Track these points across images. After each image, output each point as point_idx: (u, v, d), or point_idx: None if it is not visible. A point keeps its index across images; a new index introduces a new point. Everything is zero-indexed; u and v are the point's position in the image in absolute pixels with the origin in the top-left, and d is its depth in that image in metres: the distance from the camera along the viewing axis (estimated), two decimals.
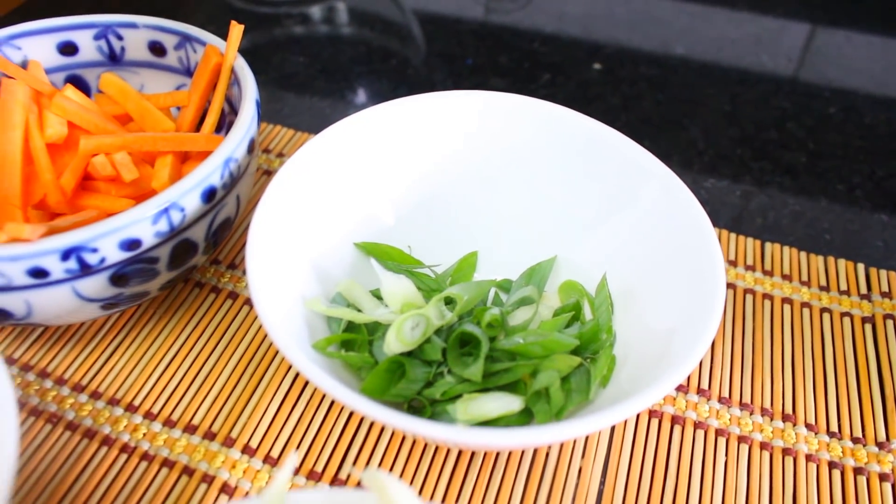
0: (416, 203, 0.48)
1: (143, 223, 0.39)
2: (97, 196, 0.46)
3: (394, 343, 0.39)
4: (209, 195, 0.42)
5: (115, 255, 0.40)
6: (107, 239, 0.39)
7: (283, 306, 0.38)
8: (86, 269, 0.39)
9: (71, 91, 0.49)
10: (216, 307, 0.48)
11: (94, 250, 0.39)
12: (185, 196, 0.41)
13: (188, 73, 0.54)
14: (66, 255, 0.38)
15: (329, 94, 0.67)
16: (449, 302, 0.42)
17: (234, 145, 0.43)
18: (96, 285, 0.41)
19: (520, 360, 0.39)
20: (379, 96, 0.66)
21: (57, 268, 0.39)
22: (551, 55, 0.71)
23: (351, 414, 0.43)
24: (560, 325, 0.42)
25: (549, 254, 0.47)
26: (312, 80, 0.68)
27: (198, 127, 0.51)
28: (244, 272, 0.50)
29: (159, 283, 0.44)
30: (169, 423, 0.42)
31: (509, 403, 0.38)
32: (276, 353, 0.45)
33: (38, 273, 0.39)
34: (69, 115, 0.47)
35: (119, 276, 0.41)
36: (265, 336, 0.46)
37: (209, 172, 0.42)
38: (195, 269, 0.46)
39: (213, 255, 0.51)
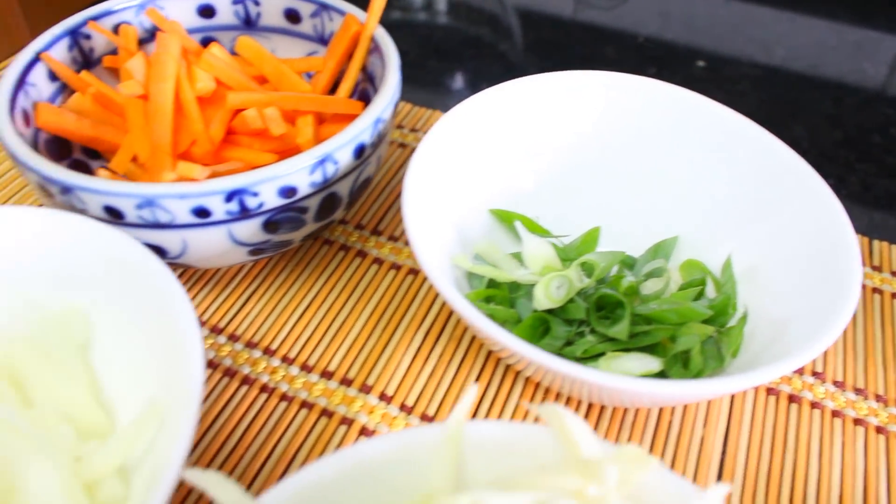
0: (544, 177, 0.50)
1: (301, 172, 0.41)
2: (240, 149, 0.48)
3: (542, 299, 0.40)
4: (359, 152, 0.44)
5: (272, 200, 0.41)
6: (268, 184, 0.41)
7: (436, 261, 0.40)
8: (244, 213, 0.41)
9: (217, 49, 0.51)
10: (345, 264, 0.50)
11: (255, 194, 0.41)
12: (339, 150, 0.42)
13: (321, 40, 0.55)
14: (229, 197, 0.40)
15: (440, 73, 0.69)
16: (583, 269, 0.43)
17: (383, 106, 0.45)
18: (250, 229, 0.42)
19: (656, 325, 0.40)
20: (492, 79, 0.67)
21: (219, 209, 0.40)
22: (655, 49, 0.72)
23: (483, 368, 0.44)
24: (690, 298, 0.43)
25: (668, 233, 0.48)
26: (425, 60, 0.70)
27: (329, 93, 0.53)
28: (371, 232, 0.52)
29: (302, 233, 0.45)
30: (306, 368, 0.44)
31: (648, 364, 0.39)
32: (408, 308, 0.47)
33: (201, 212, 0.40)
34: (216, 71, 0.49)
35: (272, 222, 0.42)
36: (395, 293, 0.48)
37: (361, 130, 0.43)
38: (328, 226, 0.47)
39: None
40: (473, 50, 0.72)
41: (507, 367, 0.44)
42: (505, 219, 0.47)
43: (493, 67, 0.70)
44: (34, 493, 0.33)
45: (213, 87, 0.49)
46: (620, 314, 0.40)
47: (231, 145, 0.48)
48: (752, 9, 0.79)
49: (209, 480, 0.29)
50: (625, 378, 0.32)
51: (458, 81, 0.69)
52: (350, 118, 0.50)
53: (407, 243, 0.51)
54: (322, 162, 0.42)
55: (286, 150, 0.48)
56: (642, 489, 0.29)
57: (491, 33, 0.75)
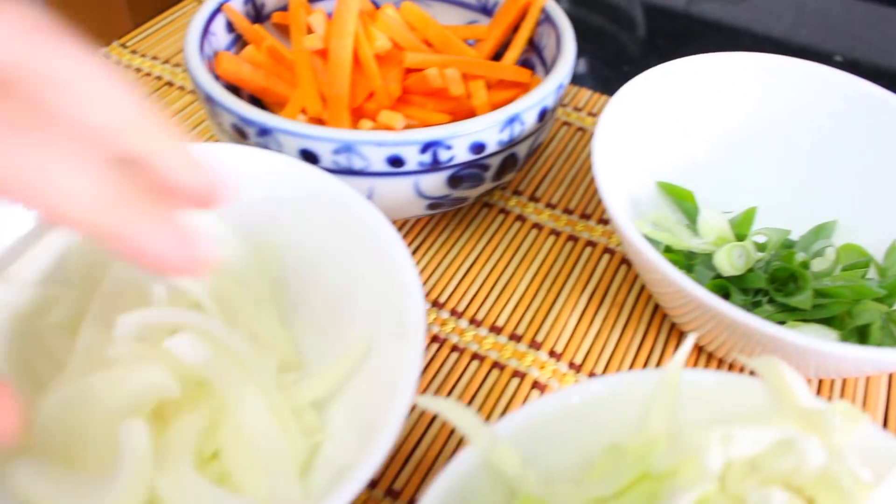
0: (705, 154, 0.50)
1: (491, 130, 0.42)
2: (414, 108, 0.49)
3: (726, 266, 0.41)
4: (542, 115, 0.45)
5: (462, 155, 0.43)
6: (462, 139, 0.42)
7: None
8: (434, 165, 0.42)
9: (391, 10, 0.52)
10: (505, 227, 0.51)
11: (449, 147, 0.42)
12: (526, 111, 0.43)
13: (483, 10, 0.57)
14: (424, 148, 0.42)
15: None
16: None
17: (565, 72, 0.46)
18: (435, 182, 0.44)
19: (832, 299, 0.41)
20: (617, 68, 0.68)
21: (413, 159, 0.42)
22: (787, 47, 0.73)
23: (645, 333, 0.45)
24: (858, 277, 0.43)
25: (825, 216, 0.49)
26: None
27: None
28: (529, 199, 0.53)
29: (479, 191, 0.46)
30: (475, 322, 0.45)
31: (827, 336, 0.40)
32: (570, 273, 0.48)
33: (395, 161, 0.42)
34: (391, 31, 0.50)
35: (456, 177, 0.44)
36: (556, 257, 0.49)
37: (546, 94, 0.44)
38: (497, 188, 0.48)
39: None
40: (609, 36, 0.73)
41: (670, 333, 0.45)
42: (671, 192, 0.48)
43: (633, 50, 0.71)
44: (246, 415, 0.35)
45: (389, 46, 0.50)
46: (798, 286, 0.41)
47: (404, 104, 0.50)
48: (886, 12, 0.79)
49: (445, 406, 0.30)
50: (832, 343, 0.33)
51: (582, 67, 0.70)
52: (515, 85, 0.51)
53: (564, 211, 0.52)
54: (511, 121, 0.43)
55: (457, 112, 0.49)
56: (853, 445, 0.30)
57: (611, 23, 0.76)
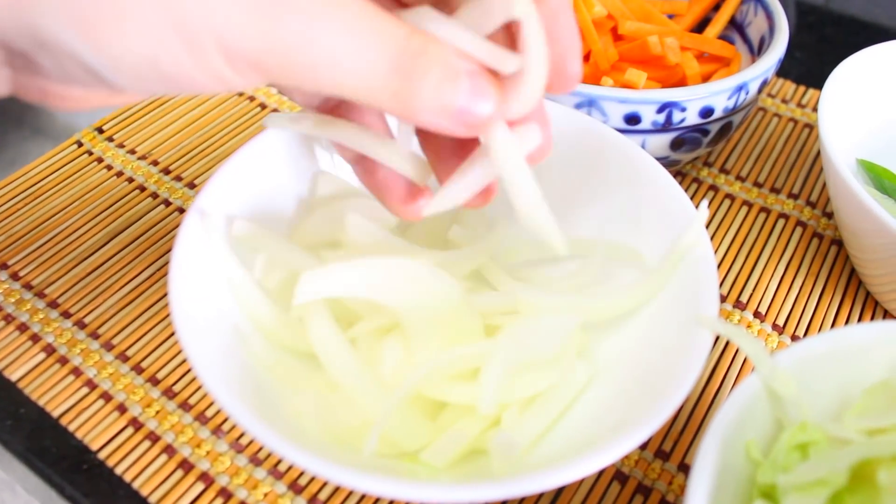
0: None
1: (721, 95, 0.45)
2: (623, 74, 0.52)
3: None
4: (762, 86, 0.47)
5: (692, 118, 0.45)
6: (695, 102, 0.44)
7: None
8: (665, 126, 0.45)
9: None
10: (699, 196, 0.53)
11: (683, 109, 0.44)
12: (752, 81, 0.46)
13: None
14: (662, 108, 0.44)
15: None
16: None
17: (782, 48, 0.48)
18: (660, 143, 0.46)
19: None
20: None
21: (648, 118, 0.44)
22: None
23: (842, 300, 0.47)
24: None
25: None
26: None
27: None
28: (720, 170, 0.55)
29: (692, 156, 0.49)
30: None
31: None
32: (766, 242, 0.50)
33: (632, 119, 0.44)
34: (606, 3, 0.53)
35: (679, 139, 0.46)
36: (752, 225, 0.51)
37: (769, 66, 0.47)
38: (694, 160, 0.51)
39: None
40: None
41: (865, 303, 0.47)
42: (872, 170, 0.50)
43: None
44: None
45: (604, 14, 0.52)
46: None
47: (615, 71, 0.52)
48: None
49: (736, 331, 0.32)
50: None
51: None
52: (716, 59, 0.54)
53: (754, 184, 0.54)
54: (739, 89, 0.45)
55: (665, 81, 0.52)
56: None
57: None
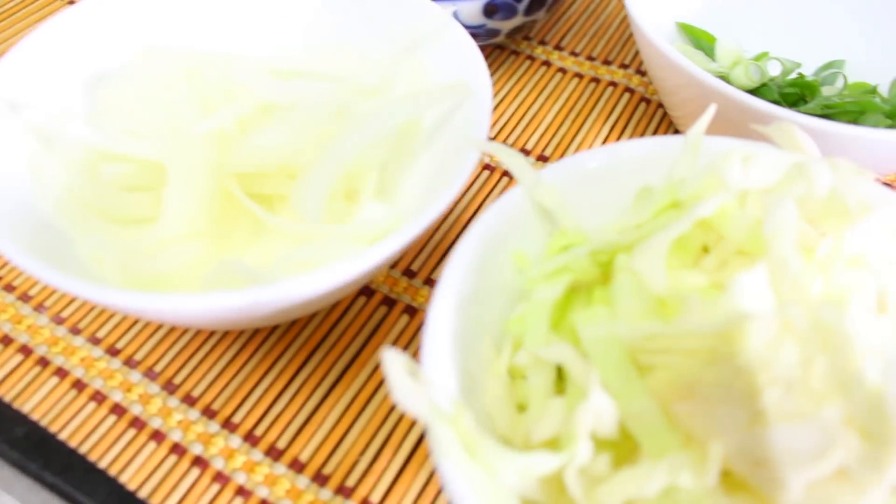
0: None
1: None
2: None
3: (742, 78, 0.45)
4: None
5: None
6: None
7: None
8: None
9: None
10: (532, 71, 0.54)
11: None
12: None
13: None
14: None
15: None
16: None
17: None
18: (472, 11, 0.47)
19: (837, 110, 0.45)
20: None
21: None
22: None
23: None
24: (864, 94, 0.47)
25: (834, 56, 0.52)
26: None
27: None
28: (555, 47, 0.56)
29: (510, 25, 0.50)
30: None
31: None
32: (594, 106, 0.51)
33: None
34: None
35: (491, 6, 0.47)
36: (581, 94, 0.52)
37: None
38: (526, 29, 0.51)
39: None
40: None
41: None
42: (690, 32, 0.51)
43: None
44: None
45: None
46: (812, 95, 0.45)
47: None
48: None
49: (499, 148, 0.33)
50: (831, 123, 0.37)
51: None
52: None
53: (588, 58, 0.55)
54: None
55: None
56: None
57: None
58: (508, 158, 0.33)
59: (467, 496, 0.25)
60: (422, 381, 0.26)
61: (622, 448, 0.28)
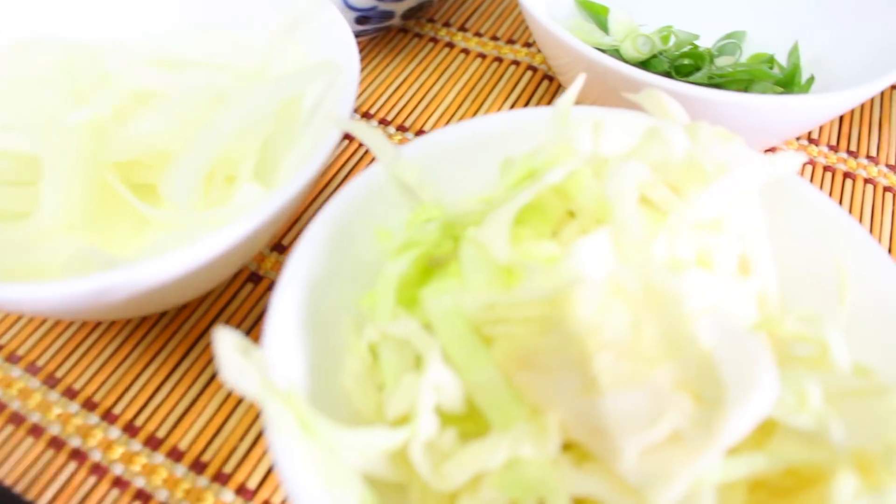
0: None
1: None
2: None
3: (630, 51, 0.44)
4: None
5: None
6: None
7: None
8: None
9: None
10: (434, 53, 0.54)
11: None
12: None
13: None
14: None
15: None
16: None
17: None
18: None
19: (727, 79, 0.44)
20: None
21: None
22: None
23: None
24: (760, 63, 0.47)
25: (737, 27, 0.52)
26: None
27: None
28: (458, 28, 0.55)
29: (404, 6, 0.49)
30: (402, 129, 0.48)
31: None
32: (496, 85, 0.51)
33: None
34: None
35: None
36: (483, 74, 0.52)
37: None
38: (423, 10, 0.51)
39: None
40: None
41: None
42: (586, 6, 0.51)
43: None
44: None
45: None
46: (701, 64, 0.44)
47: None
48: None
49: (358, 127, 0.33)
50: (706, 89, 0.36)
51: None
52: None
53: (492, 38, 0.55)
54: None
55: None
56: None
57: None
58: (366, 135, 0.32)
59: (298, 473, 0.24)
60: (254, 359, 0.25)
61: (473, 422, 0.28)
